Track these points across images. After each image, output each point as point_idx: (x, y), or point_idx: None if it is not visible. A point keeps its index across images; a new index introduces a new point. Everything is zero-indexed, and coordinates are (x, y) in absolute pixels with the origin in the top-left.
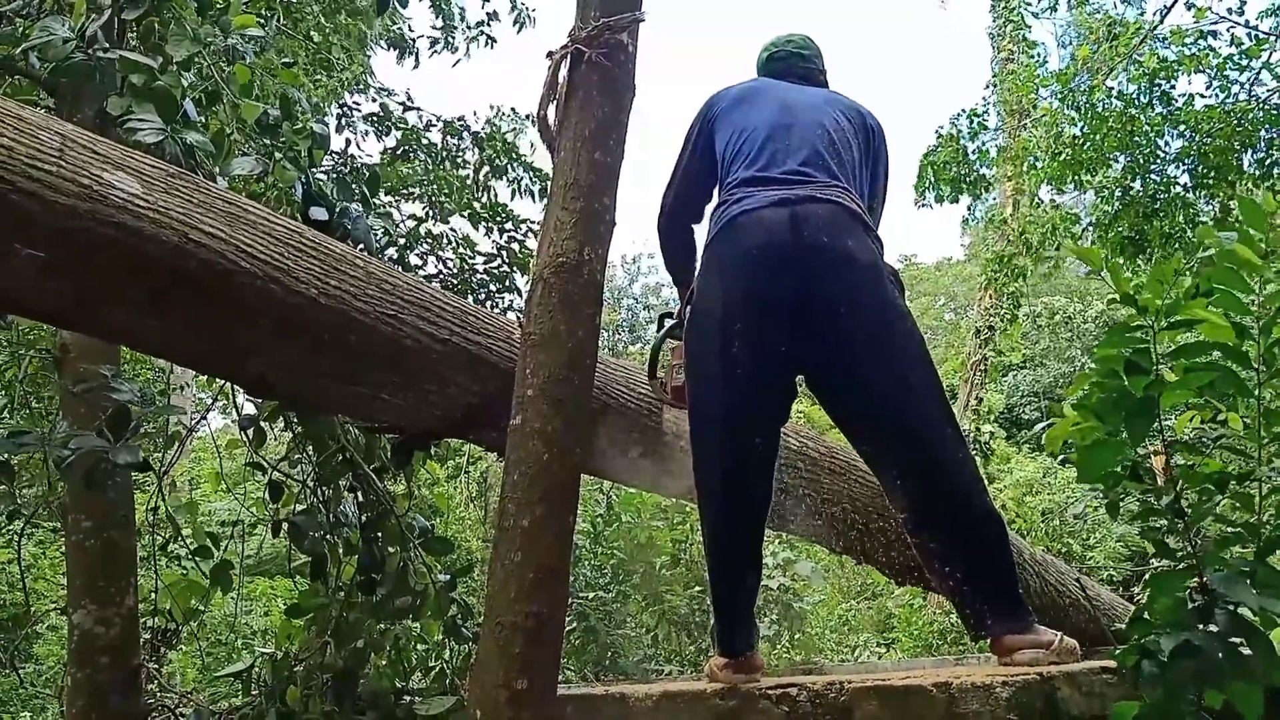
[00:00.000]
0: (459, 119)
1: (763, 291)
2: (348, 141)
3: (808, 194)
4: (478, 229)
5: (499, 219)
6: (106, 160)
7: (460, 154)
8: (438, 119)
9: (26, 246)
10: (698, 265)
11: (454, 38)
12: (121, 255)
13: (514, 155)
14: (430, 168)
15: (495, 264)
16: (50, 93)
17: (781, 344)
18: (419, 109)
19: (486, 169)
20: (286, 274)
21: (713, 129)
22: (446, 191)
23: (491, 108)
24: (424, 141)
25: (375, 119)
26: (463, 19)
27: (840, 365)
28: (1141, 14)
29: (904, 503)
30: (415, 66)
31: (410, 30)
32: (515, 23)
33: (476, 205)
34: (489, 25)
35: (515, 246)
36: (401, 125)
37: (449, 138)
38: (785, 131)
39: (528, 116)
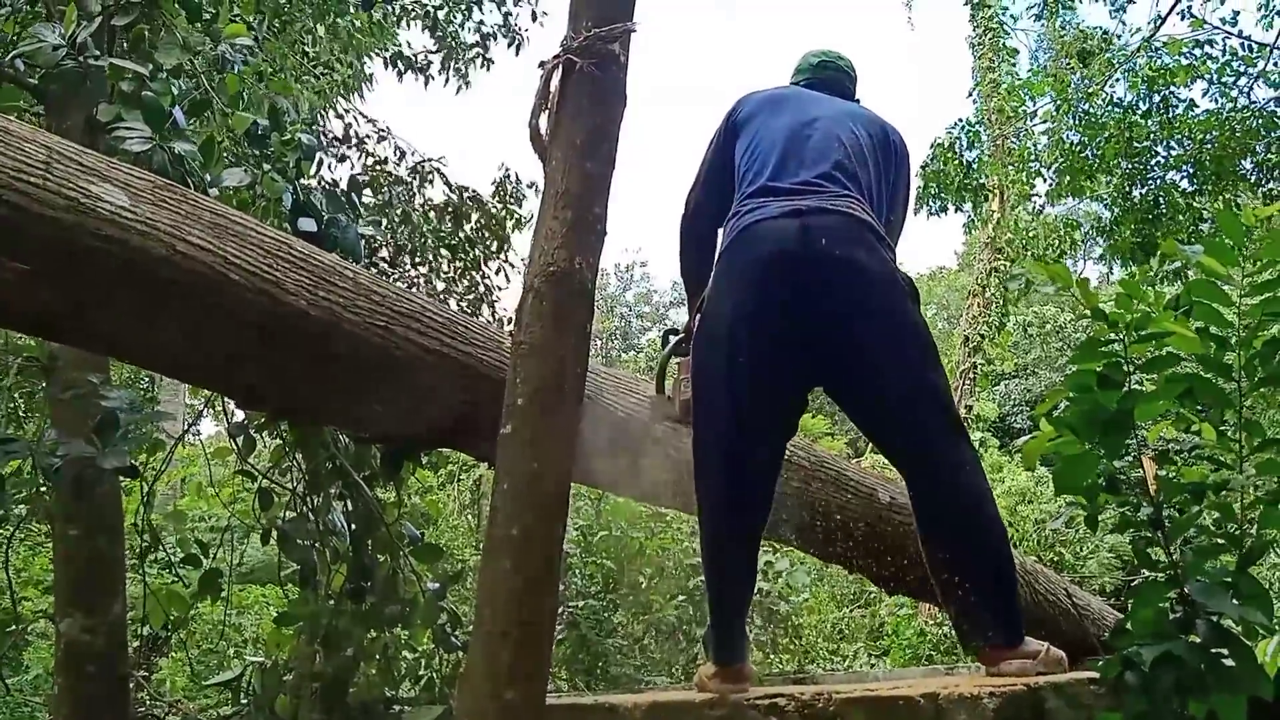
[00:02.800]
0: (427, 160)
1: (772, 301)
2: (320, 162)
3: (818, 204)
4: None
5: (468, 262)
6: (93, 172)
7: (425, 193)
8: (412, 151)
9: (13, 259)
10: (713, 272)
11: (457, 60)
12: (109, 267)
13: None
14: (398, 201)
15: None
16: (39, 99)
17: (790, 355)
18: (388, 132)
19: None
20: (275, 285)
21: (735, 134)
22: (416, 226)
23: (501, 167)
24: (389, 174)
25: (349, 143)
26: (459, 41)
27: (853, 378)
28: (1134, 30)
29: (917, 509)
30: (426, 85)
31: (409, 46)
32: (510, 44)
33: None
34: (492, 40)
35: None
36: (363, 152)
37: (417, 177)
38: (801, 142)
39: (531, 184)
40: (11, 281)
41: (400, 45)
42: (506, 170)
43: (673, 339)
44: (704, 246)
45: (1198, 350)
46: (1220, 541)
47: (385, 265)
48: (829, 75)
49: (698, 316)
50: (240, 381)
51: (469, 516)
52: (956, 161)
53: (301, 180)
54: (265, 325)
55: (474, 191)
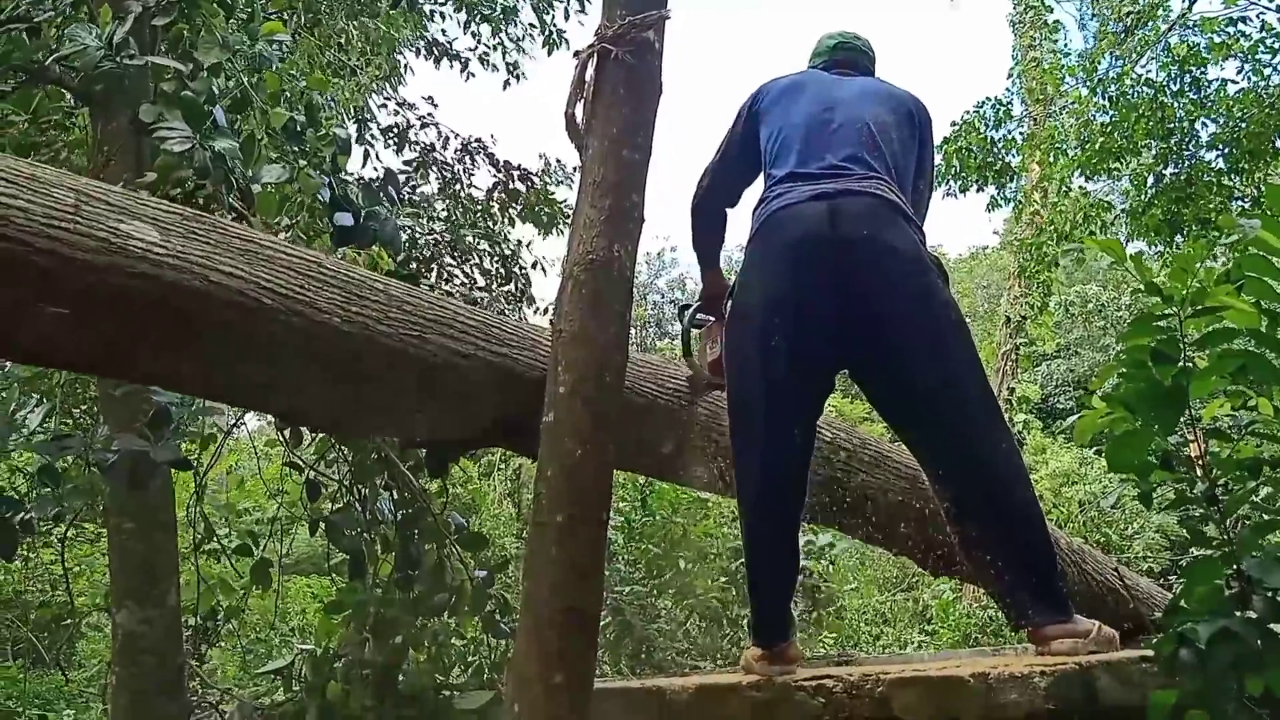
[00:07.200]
0: (475, 139)
1: (802, 285)
2: (366, 154)
3: (845, 187)
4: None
5: (506, 250)
6: (123, 210)
7: (472, 175)
8: (455, 135)
9: (50, 304)
10: (742, 260)
11: (500, 54)
12: (144, 304)
13: (554, 208)
14: (444, 185)
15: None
16: (84, 101)
17: (821, 338)
18: (436, 123)
19: (509, 204)
20: (308, 305)
21: (758, 120)
22: (460, 211)
23: (540, 157)
24: (438, 160)
25: (394, 132)
26: (500, 31)
27: (883, 360)
28: (1166, 11)
29: (947, 493)
30: (466, 76)
31: (444, 34)
32: (544, 44)
33: (480, 235)
34: (528, 37)
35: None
36: (416, 144)
37: (467, 157)
38: (825, 127)
39: (575, 168)
40: (52, 325)
41: (432, 33)
42: (547, 160)
43: (688, 312)
44: (716, 220)
45: (1254, 324)
46: (1276, 517)
47: (424, 260)
48: (846, 56)
49: (728, 303)
50: (280, 401)
51: (509, 504)
52: (980, 139)
53: (339, 174)
54: (301, 345)
55: (521, 168)
